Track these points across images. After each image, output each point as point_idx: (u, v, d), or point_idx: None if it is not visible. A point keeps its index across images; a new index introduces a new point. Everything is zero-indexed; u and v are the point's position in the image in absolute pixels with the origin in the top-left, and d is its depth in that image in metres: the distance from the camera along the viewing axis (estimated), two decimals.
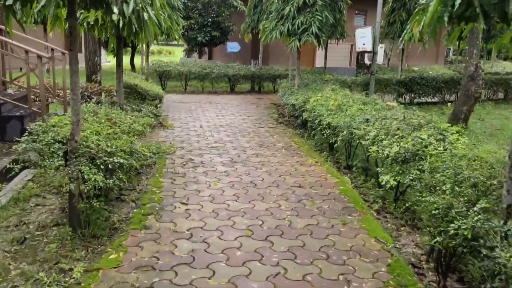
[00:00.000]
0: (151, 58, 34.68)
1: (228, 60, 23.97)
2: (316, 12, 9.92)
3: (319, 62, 20.92)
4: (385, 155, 5.12)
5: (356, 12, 21.67)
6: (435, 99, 15.01)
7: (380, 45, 21.82)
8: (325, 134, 7.50)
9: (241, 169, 6.53)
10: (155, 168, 6.49)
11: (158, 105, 9.40)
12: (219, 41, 19.36)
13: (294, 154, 7.55)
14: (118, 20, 4.24)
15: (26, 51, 7.12)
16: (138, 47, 23.63)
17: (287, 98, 10.30)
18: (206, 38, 18.49)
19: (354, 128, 6.33)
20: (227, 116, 11.16)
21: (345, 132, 6.48)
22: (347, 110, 7.49)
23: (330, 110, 7.73)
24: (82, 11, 5.36)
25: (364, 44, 10.10)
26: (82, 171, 3.95)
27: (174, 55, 36.31)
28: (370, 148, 5.47)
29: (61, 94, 12.36)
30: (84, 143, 4.21)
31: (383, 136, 5.48)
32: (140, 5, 4.23)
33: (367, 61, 21.56)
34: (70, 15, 3.98)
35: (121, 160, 4.27)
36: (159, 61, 16.01)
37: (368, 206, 5.43)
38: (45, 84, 8.56)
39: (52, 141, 4.25)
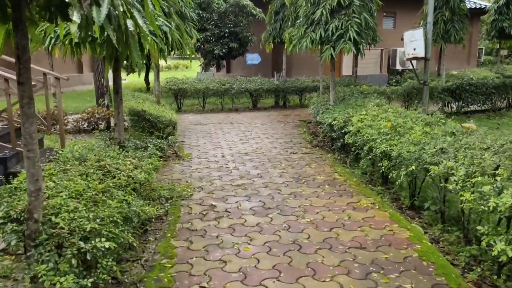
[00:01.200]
0: (166, 74, 33.67)
1: (248, 73, 22.57)
2: (353, 15, 8.39)
3: (346, 70, 19.32)
4: (491, 208, 3.55)
5: (385, 14, 20.05)
6: (485, 107, 13.24)
7: None
8: (379, 165, 5.95)
9: (278, 219, 5.00)
10: (167, 221, 5.02)
11: (171, 134, 7.98)
12: (238, 53, 17.97)
13: (342, 192, 5.98)
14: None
15: (6, 79, 5.79)
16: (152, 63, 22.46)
17: (322, 117, 8.75)
18: (223, 50, 17.13)
19: (428, 163, 4.75)
20: (252, 139, 9.66)
21: (413, 167, 4.91)
22: (406, 133, 5.92)
23: (383, 134, 6.17)
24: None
25: (415, 49, 8.48)
26: (39, 272, 2.50)
27: (192, 69, 35.19)
28: (462, 195, 3.89)
29: (65, 122, 11.14)
30: (49, 221, 2.76)
31: (479, 178, 3.89)
32: (122, 9, 2.77)
33: (398, 67, 19.89)
34: (16, 30, 2.55)
35: (107, 244, 2.80)
36: (174, 78, 14.68)
37: (461, 274, 3.85)
38: (37, 114, 7.26)
39: (2, 219, 2.82)
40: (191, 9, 10.33)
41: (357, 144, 6.80)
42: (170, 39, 4.90)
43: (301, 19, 9.31)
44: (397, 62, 19.29)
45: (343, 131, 7.54)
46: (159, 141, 6.24)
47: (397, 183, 5.49)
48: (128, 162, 4.49)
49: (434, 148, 5.02)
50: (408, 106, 12.13)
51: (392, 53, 19.54)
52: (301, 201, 5.60)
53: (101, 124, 10.68)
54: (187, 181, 6.51)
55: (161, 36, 4.83)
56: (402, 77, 18.45)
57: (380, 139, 6.03)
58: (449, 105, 12.77)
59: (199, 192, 6.02)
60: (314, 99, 10.75)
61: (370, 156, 6.31)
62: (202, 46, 17.85)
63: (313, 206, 5.43)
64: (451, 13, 11.84)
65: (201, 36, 17.12)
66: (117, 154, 4.66)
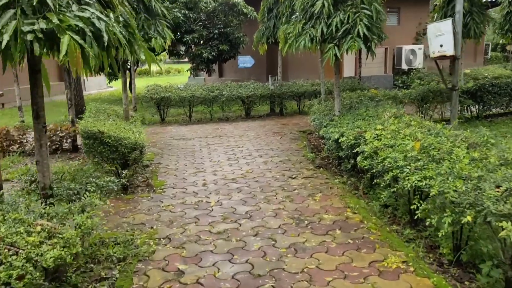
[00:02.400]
0: (155, 79, 32.01)
1: (241, 77, 21.00)
2: (362, 5, 6.81)
3: (347, 71, 17.76)
4: None
5: (388, 9, 18.49)
6: (509, 109, 11.67)
7: (419, 46, 18.62)
8: (411, 206, 4.39)
9: None
10: None
11: (138, 160, 6.37)
12: (229, 55, 16.39)
13: (360, 241, 4.39)
14: None
15: None
16: (138, 68, 20.99)
17: (326, 131, 7.17)
18: (213, 53, 15.55)
19: (494, 214, 3.17)
20: (243, 158, 8.08)
21: (469, 218, 3.34)
22: (444, 159, 4.36)
23: (411, 159, 4.61)
24: None
25: (441, 45, 6.88)
26: None
27: (184, 74, 33.54)
28: None
29: (25, 141, 9.53)
30: None
31: None
32: None
33: (404, 66, 18.33)
34: None
35: None
36: (156, 85, 13.09)
37: None
38: None
39: None
40: (166, 5, 8.80)
41: (374, 171, 5.23)
42: (106, 38, 3.34)
43: (297, 13, 7.74)
44: (403, 61, 17.73)
45: (354, 150, 5.97)
46: (111, 179, 4.62)
47: (432, 222, 3.92)
48: (39, 228, 2.90)
49: (498, 187, 3.45)
50: (424, 112, 10.56)
51: (397, 51, 17.99)
52: (304, 261, 4.00)
53: (66, 143, 9.10)
54: (152, 227, 4.91)
55: (89, 33, 3.26)
56: (409, 78, 16.86)
57: (409, 166, 4.46)
58: (467, 108, 11.21)
59: (165, 246, 4.43)
60: (315, 107, 9.17)
61: (395, 189, 4.74)
62: (190, 49, 16.28)
63: (322, 269, 3.84)
64: (470, 4, 10.29)
65: (188, 38, 15.58)
66: (25, 213, 3.08)
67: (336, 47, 6.96)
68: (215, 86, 13.17)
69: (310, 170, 7.15)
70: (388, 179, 4.82)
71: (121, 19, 3.90)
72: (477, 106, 11.16)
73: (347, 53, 7.01)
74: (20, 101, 11.82)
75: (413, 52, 17.98)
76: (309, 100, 13.21)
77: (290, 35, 7.61)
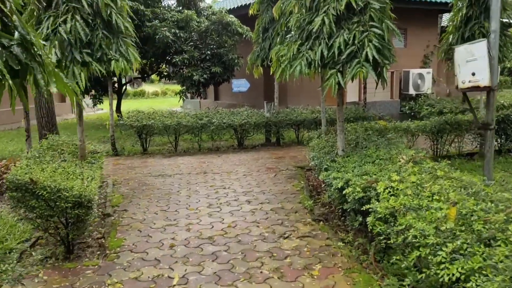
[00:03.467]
0: (149, 102, 30.78)
1: (237, 100, 19.75)
2: (372, 23, 5.53)
3: (350, 96, 16.47)
4: None
5: None
6: None
7: (428, 70, 17.39)
8: None
9: None
10: None
11: (82, 219, 4.95)
12: (222, 78, 15.15)
13: None
14: None
15: None
16: (125, 87, 19.85)
17: (327, 176, 5.81)
18: (204, 76, 14.30)
19: None
20: (227, 205, 6.69)
21: None
22: (496, 239, 3.01)
23: (446, 233, 3.28)
24: None
25: (474, 74, 5.53)
26: None
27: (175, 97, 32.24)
28: None
29: None
30: None
31: None
32: None
33: (412, 92, 17.06)
34: None
35: None
36: (138, 111, 11.79)
37: None
38: None
39: None
40: (134, 21, 7.56)
41: (392, 242, 3.86)
42: None
43: (292, 32, 6.46)
44: (410, 85, 16.47)
45: (364, 207, 4.61)
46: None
47: None
48: None
49: None
50: (439, 147, 9.21)
51: (404, 75, 16.74)
52: None
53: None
54: None
55: None
56: (417, 104, 15.54)
57: (444, 248, 3.11)
58: None
59: None
60: (314, 142, 7.82)
61: (423, 276, 3.36)
62: (180, 71, 15.05)
63: None
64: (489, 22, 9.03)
65: (177, 59, 14.36)
66: None
67: (339, 74, 5.66)
68: (204, 113, 11.87)
69: (308, 225, 5.75)
70: (413, 259, 3.46)
71: (16, 35, 2.58)
72: (499, 140, 9.81)
73: (352, 81, 5.70)
74: None
75: (421, 76, 16.73)
76: (309, 129, 11.93)
77: (284, 58, 6.31)
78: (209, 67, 14.66)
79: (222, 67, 14.77)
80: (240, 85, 14.15)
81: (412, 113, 14.99)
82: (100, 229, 5.77)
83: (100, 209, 6.61)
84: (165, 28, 14.33)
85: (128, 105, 27.80)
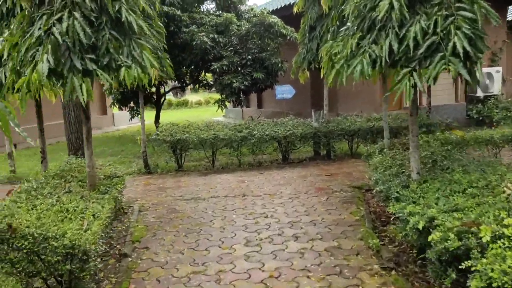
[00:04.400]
0: (192, 112, 30.06)
1: (282, 108, 18.45)
2: (459, 4, 4.09)
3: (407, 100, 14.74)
4: None
5: None
6: None
7: (497, 68, 15.38)
8: None
9: None
10: None
11: (78, 277, 3.76)
12: (264, 85, 13.90)
13: None
14: None
15: None
16: (165, 100, 19.08)
17: (399, 209, 4.38)
18: (245, 82, 13.11)
19: None
20: (269, 242, 5.38)
21: None
22: None
23: None
24: None
25: None
26: None
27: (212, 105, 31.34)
28: None
29: None
30: None
31: None
32: None
33: (479, 93, 15.10)
34: None
35: None
36: (172, 124, 10.73)
37: None
38: None
39: None
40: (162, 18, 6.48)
41: None
42: None
43: (349, 23, 5.09)
44: (478, 87, 14.53)
45: (461, 266, 3.19)
46: None
47: None
48: None
49: None
50: None
51: None
52: None
53: None
54: None
55: None
56: (485, 107, 13.60)
57: None
58: None
59: None
60: (376, 160, 6.38)
61: None
62: (218, 78, 13.95)
63: None
64: None
65: (216, 66, 13.26)
66: None
67: (413, 74, 4.23)
68: (244, 125, 10.64)
69: (376, 276, 4.32)
70: None
71: None
72: None
73: (434, 82, 4.25)
74: (10, 147, 9.77)
75: (489, 75, 14.76)
76: (364, 140, 10.43)
77: (338, 57, 4.95)
78: (250, 73, 13.46)
79: (264, 73, 13.53)
80: (284, 91, 12.86)
81: (481, 118, 13.07)
82: (111, 276, 4.62)
83: (117, 246, 5.50)
84: (202, 33, 13.30)
85: (169, 116, 27.20)
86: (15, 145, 14.97)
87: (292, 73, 10.87)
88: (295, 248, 5.13)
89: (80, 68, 4.17)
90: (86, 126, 4.99)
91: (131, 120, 16.38)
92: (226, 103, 14.18)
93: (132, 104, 15.94)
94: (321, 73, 6.60)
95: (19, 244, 3.37)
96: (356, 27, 4.83)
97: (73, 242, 3.46)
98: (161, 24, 9.38)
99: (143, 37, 4.84)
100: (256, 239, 5.48)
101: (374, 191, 6.14)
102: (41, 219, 3.67)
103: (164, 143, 9.85)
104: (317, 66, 10.09)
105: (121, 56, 4.50)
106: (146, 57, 4.64)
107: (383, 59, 4.32)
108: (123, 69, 4.42)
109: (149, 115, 18.48)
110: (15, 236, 3.38)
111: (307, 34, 10.24)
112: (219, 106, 14.24)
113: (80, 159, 6.46)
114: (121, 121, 21.34)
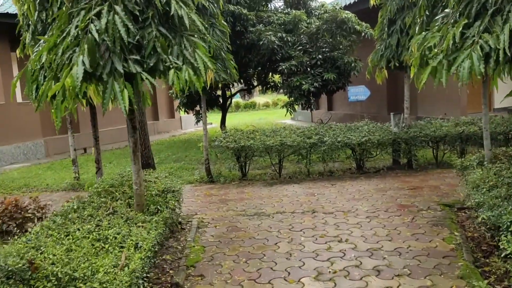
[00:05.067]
0: (260, 114, 29.54)
1: (355, 110, 17.28)
2: None
3: (499, 99, 12.99)
4: None
5: None
6: None
7: None
8: None
9: None
10: None
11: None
12: (336, 86, 12.89)
13: None
14: None
15: None
16: (232, 102, 18.69)
17: None
18: (315, 84, 12.19)
19: None
20: (343, 277, 4.46)
21: None
22: None
23: None
24: None
25: None
26: None
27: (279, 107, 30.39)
28: None
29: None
30: None
31: None
32: None
33: None
34: None
35: None
36: (236, 130, 10.08)
37: None
38: None
39: None
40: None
41: None
42: None
43: (448, 9, 4.05)
44: None
45: None
46: None
47: None
48: None
49: None
50: None
51: None
52: None
53: (31, 226, 6.20)
54: None
55: None
56: None
57: None
58: None
59: None
60: (476, 176, 5.24)
61: None
62: (286, 80, 13.15)
63: None
64: None
65: (283, 67, 12.48)
66: None
67: None
68: (313, 130, 9.74)
69: None
70: None
71: None
72: None
73: None
74: (74, 153, 9.63)
75: None
76: (451, 147, 9.13)
77: (435, 51, 3.93)
78: (320, 73, 12.53)
79: (336, 73, 12.54)
80: (358, 93, 11.78)
81: None
82: None
83: (170, 271, 4.87)
84: (270, 33, 12.59)
85: (236, 119, 26.88)
86: (84, 149, 15.18)
87: (368, 73, 9.79)
88: (377, 286, 4.18)
89: (122, 71, 3.55)
90: (133, 138, 4.40)
91: (197, 124, 16.05)
92: (295, 106, 13.33)
93: (198, 108, 15.61)
94: (410, 72, 5.55)
95: (41, 287, 2.78)
96: (458, 14, 3.79)
97: (104, 286, 2.81)
98: (225, 23, 8.77)
99: (196, 34, 4.14)
100: (329, 271, 4.59)
101: (471, 212, 5.01)
102: (72, 251, 3.08)
103: (227, 150, 9.21)
104: (398, 64, 8.98)
105: (170, 57, 3.82)
106: (199, 57, 3.93)
107: (501, 51, 3.26)
108: (171, 71, 3.74)
109: (215, 118, 18.14)
110: (37, 276, 2.80)
111: (386, 29, 9.12)
112: (287, 110, 13.41)
113: (126, 174, 5.94)
114: (188, 124, 21.25)
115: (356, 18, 12.75)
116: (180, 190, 5.76)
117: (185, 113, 16.38)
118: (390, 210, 6.58)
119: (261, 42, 12.49)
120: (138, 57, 3.71)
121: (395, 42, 8.89)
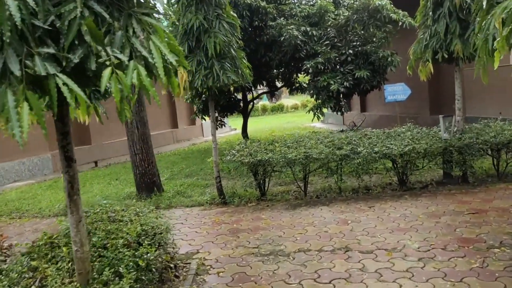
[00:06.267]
0: (288, 117, 28.08)
1: (393, 111, 15.48)
2: None
3: None
4: None
5: None
6: None
7: None
8: None
9: None
10: None
11: None
12: (370, 85, 11.22)
13: None
14: None
15: None
16: (252, 106, 17.32)
17: None
18: (345, 83, 10.57)
19: None
20: None
21: None
22: None
23: None
24: None
25: None
26: None
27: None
28: None
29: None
30: None
31: None
32: None
33: None
34: None
35: None
36: (251, 141, 8.59)
37: None
38: None
39: None
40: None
41: None
42: None
43: None
44: None
45: None
46: None
47: None
48: None
49: None
50: None
51: None
52: None
53: None
54: None
55: None
56: None
57: None
58: None
59: None
60: None
61: None
62: (312, 79, 11.59)
63: None
64: None
65: (308, 65, 10.94)
66: None
67: None
68: (344, 138, 8.15)
69: None
70: None
71: None
72: None
73: None
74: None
75: None
76: None
77: None
78: (351, 71, 10.92)
79: (369, 70, 10.89)
80: (396, 92, 10.11)
81: None
82: None
83: None
84: (292, 26, 11.07)
85: (261, 123, 25.48)
86: (95, 162, 14.08)
87: (409, 68, 8.13)
88: None
89: (19, 74, 2.15)
90: (68, 174, 2.97)
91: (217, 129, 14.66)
92: (323, 109, 11.69)
93: (216, 114, 14.26)
94: (474, 63, 3.94)
95: None
96: None
97: None
98: (234, 14, 7.35)
99: (151, 12, 2.68)
100: None
101: None
102: None
103: (242, 165, 7.75)
104: (445, 56, 7.31)
105: (108, 48, 2.39)
106: (155, 48, 2.48)
107: None
108: (106, 71, 2.31)
109: (240, 122, 16.73)
110: None
111: (430, 13, 7.45)
112: (314, 114, 11.78)
113: (102, 207, 4.55)
114: (209, 131, 19.94)
115: (392, 5, 11.06)
116: (167, 229, 4.34)
117: (203, 119, 15.06)
118: (449, 247, 4.94)
119: (282, 38, 10.99)
120: (51, 50, 2.30)
121: (442, 28, 7.22)
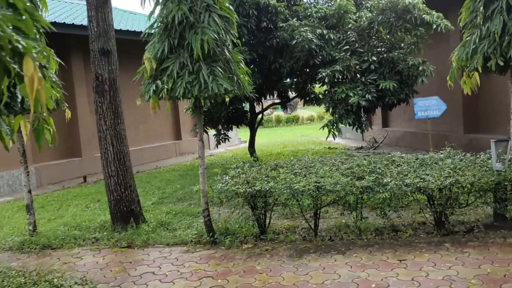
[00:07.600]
0: (303, 129, 26.70)
1: (418, 128, 13.77)
2: None
3: None
4: None
5: None
6: None
7: None
8: None
9: None
10: None
11: None
12: (397, 98, 9.55)
13: None
14: None
15: None
16: (261, 118, 15.92)
17: None
18: (367, 96, 8.94)
19: None
20: None
21: None
22: None
23: None
24: None
25: None
26: None
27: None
28: None
29: None
30: None
31: None
32: None
33: None
34: None
35: None
36: (249, 164, 6.99)
37: None
38: None
39: None
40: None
41: None
42: None
43: None
44: None
45: None
46: None
47: None
48: None
49: None
50: None
51: None
52: None
53: None
54: None
55: None
56: None
57: None
58: None
59: None
60: None
61: None
62: (330, 91, 10.00)
63: None
64: None
65: (324, 74, 9.36)
66: None
67: None
68: (366, 165, 6.51)
69: None
70: None
71: None
72: None
73: None
74: (29, 196, 6.98)
75: None
76: None
77: None
78: (375, 81, 9.29)
79: (396, 80, 9.24)
80: (429, 107, 8.46)
81: None
82: None
83: None
84: (306, 28, 9.51)
85: (273, 136, 24.00)
86: (84, 178, 12.67)
87: (450, 79, 6.50)
88: None
89: None
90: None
91: (217, 147, 13.22)
92: (340, 125, 9.98)
93: (220, 127, 12.78)
94: None
95: None
96: None
97: None
98: (229, 6, 5.84)
99: None
100: None
101: None
102: None
103: (236, 197, 6.16)
104: (502, 63, 5.67)
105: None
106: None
107: None
108: None
109: (247, 134, 15.20)
110: None
111: (482, 8, 5.81)
112: (329, 131, 10.07)
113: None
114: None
115: (424, 5, 9.41)
116: None
117: (205, 132, 13.54)
118: None
119: (294, 42, 9.44)
120: None
121: (498, 28, 5.58)
